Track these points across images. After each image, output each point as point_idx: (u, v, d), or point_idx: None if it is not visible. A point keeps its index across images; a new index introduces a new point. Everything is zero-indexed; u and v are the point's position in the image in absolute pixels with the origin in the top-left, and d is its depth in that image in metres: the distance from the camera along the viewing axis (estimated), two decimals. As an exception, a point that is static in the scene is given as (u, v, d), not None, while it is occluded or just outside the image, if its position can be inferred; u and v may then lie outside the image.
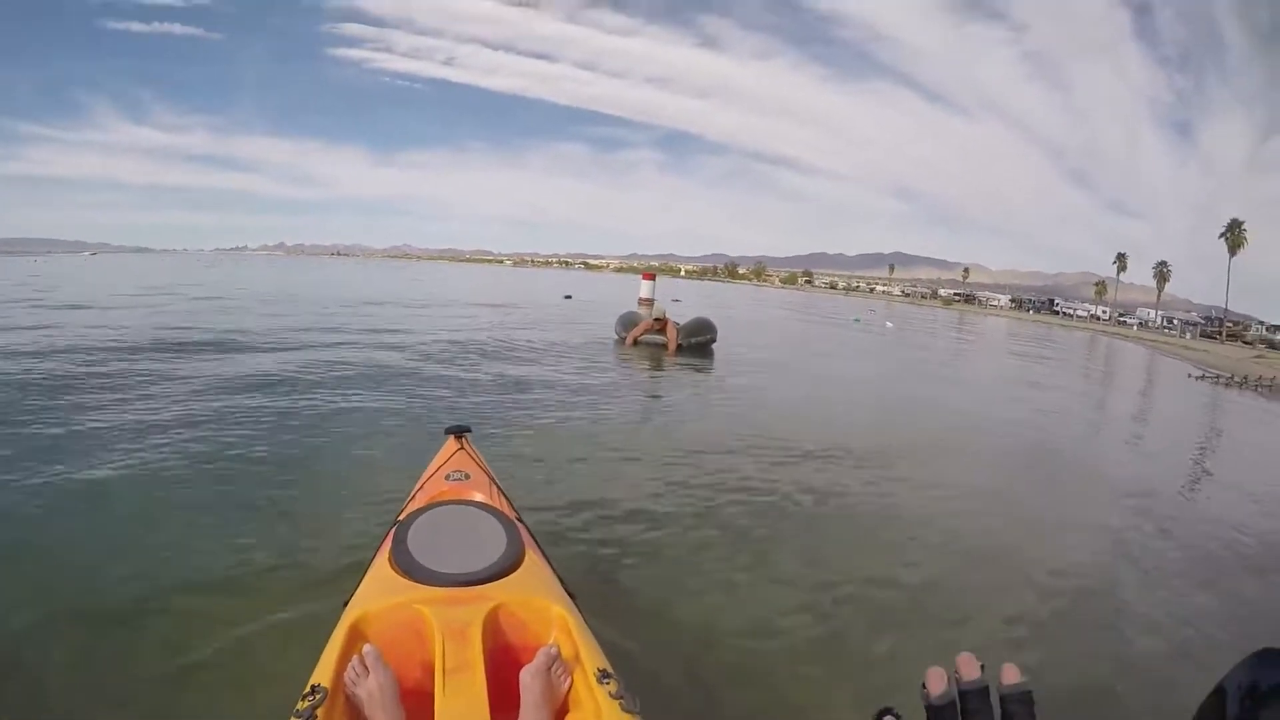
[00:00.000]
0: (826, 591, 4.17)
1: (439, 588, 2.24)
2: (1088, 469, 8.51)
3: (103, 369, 9.21)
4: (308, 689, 1.81)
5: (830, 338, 24.63)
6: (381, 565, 2.44)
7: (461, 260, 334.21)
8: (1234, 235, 77.75)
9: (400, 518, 2.73)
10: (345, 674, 1.89)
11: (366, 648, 1.92)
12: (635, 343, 14.86)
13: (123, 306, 19.18)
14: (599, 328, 18.06)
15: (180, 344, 11.80)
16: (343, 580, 3.01)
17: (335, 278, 52.05)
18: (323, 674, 1.88)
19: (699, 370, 12.76)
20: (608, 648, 2.14)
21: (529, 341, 15.25)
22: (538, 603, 2.24)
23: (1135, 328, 78.41)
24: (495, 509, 2.83)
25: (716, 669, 3.29)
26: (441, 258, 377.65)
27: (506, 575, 2.35)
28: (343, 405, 7.90)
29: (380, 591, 2.27)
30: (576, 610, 2.29)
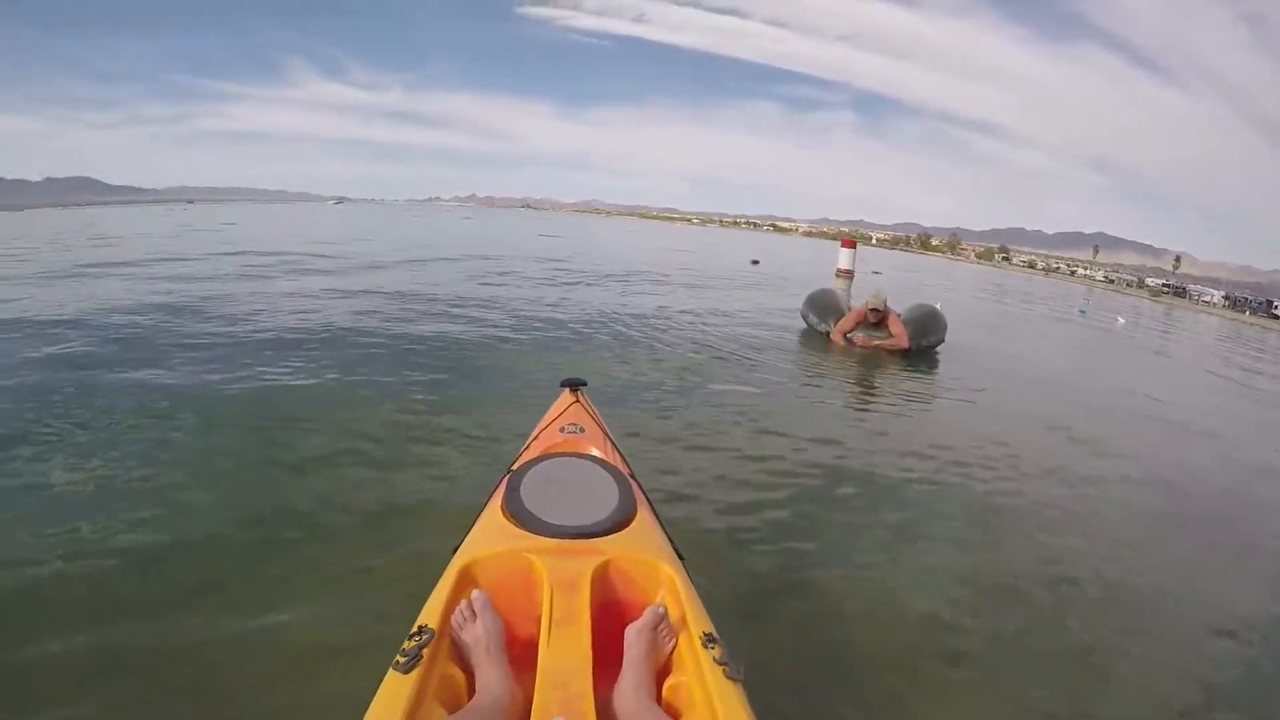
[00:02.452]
0: (984, 594, 3.81)
1: (550, 538, 2.24)
2: None
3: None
4: (415, 629, 1.85)
5: (1066, 336, 20.24)
6: (493, 512, 2.47)
7: (649, 217, 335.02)
8: None
9: (514, 466, 2.73)
10: (453, 617, 1.94)
11: (476, 593, 2.00)
12: (846, 340, 10.29)
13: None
14: (789, 310, 13.20)
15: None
16: (454, 524, 2.68)
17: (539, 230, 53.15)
18: (430, 616, 1.91)
19: (933, 383, 9.00)
20: (715, 614, 2.10)
21: (698, 323, 11.57)
22: (647, 560, 2.22)
23: None
24: (609, 464, 2.81)
25: (827, 650, 3.13)
26: (629, 214, 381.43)
27: (618, 531, 2.34)
28: (481, 360, 7.91)
29: (491, 538, 2.30)
30: (685, 572, 2.26)
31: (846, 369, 9.25)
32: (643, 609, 2.02)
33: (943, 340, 10.93)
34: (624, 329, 10.49)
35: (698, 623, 1.99)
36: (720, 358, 9.07)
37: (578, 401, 3.46)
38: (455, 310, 11.07)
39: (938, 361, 10.48)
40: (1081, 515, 5.09)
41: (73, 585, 3.12)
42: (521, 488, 2.50)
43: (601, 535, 2.30)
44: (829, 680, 2.91)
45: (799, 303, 12.10)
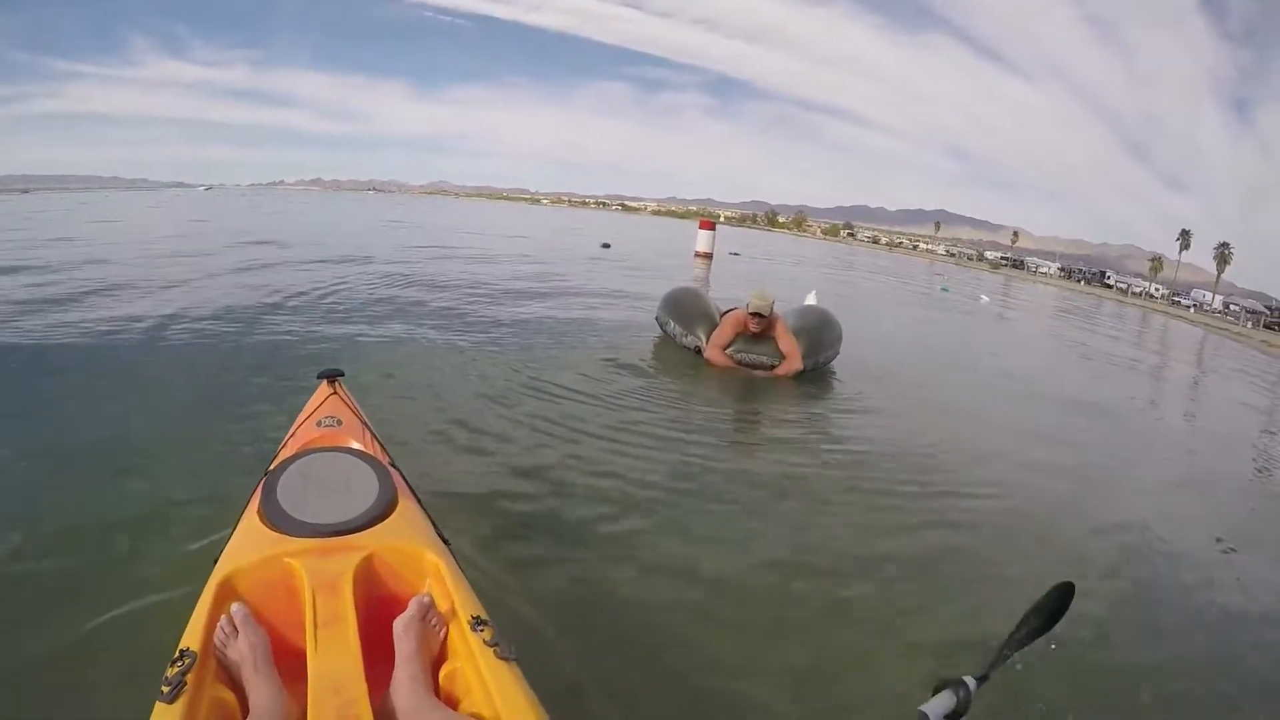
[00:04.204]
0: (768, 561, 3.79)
1: (309, 539, 2.15)
2: None
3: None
4: (176, 654, 1.70)
5: (942, 319, 18.88)
6: (250, 519, 2.34)
7: (498, 198, 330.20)
8: None
9: (270, 468, 2.57)
10: (215, 636, 1.81)
11: (235, 606, 1.86)
12: (726, 359, 7.55)
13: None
14: (644, 303, 10.87)
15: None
16: (213, 537, 2.83)
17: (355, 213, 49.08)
18: (191, 637, 1.79)
19: (826, 407, 7.09)
20: (484, 596, 2.10)
21: (530, 319, 9.76)
22: (410, 550, 2.19)
23: (1191, 310, 71.49)
24: (367, 455, 2.71)
25: (598, 620, 3.10)
26: (479, 195, 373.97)
27: (378, 523, 2.28)
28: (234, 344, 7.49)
29: (249, 546, 2.17)
30: (451, 557, 2.25)
31: (699, 388, 7.09)
32: (409, 600, 1.93)
33: (837, 354, 8.18)
34: (431, 330, 8.83)
35: (466, 607, 1.95)
36: (536, 360, 7.58)
37: (335, 393, 3.30)
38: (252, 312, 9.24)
39: (833, 376, 7.98)
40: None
41: None
42: (278, 489, 2.35)
43: (361, 529, 2.21)
44: (608, 655, 2.83)
45: (656, 292, 9.47)
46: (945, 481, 5.19)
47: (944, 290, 30.39)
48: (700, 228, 26.36)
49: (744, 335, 7.57)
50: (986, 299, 29.33)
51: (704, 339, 7.81)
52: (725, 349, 7.54)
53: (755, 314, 7.37)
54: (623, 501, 4.28)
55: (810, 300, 11.74)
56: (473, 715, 1.68)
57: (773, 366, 7.47)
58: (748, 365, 7.50)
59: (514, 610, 2.93)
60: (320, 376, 3.46)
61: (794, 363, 7.45)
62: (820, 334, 7.99)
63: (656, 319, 8.66)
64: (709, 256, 24.58)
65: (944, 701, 1.32)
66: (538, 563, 3.53)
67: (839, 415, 6.70)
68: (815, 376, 7.77)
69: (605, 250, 27.43)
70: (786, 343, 7.50)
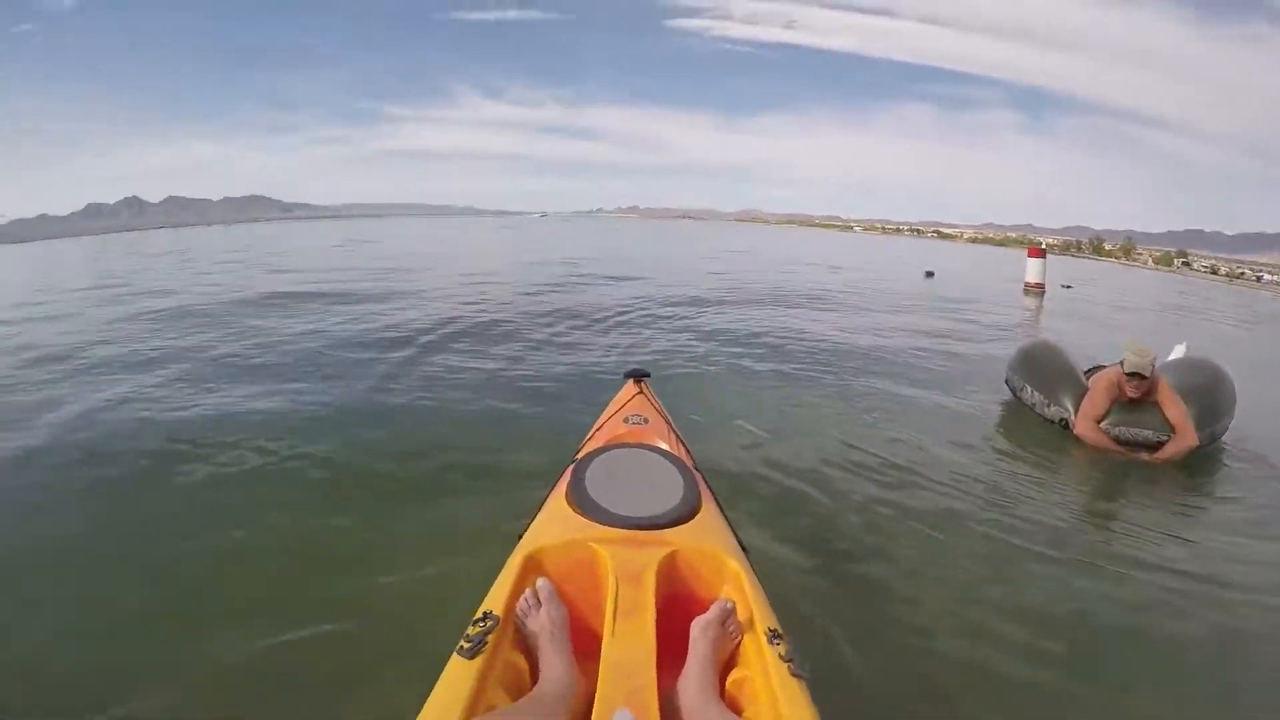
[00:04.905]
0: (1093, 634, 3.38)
1: (615, 528, 2.22)
2: None
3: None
4: (479, 615, 1.86)
5: None
6: (558, 502, 2.45)
7: (810, 224, 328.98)
8: None
9: (578, 456, 2.74)
10: (518, 605, 1.94)
11: (541, 581, 2.00)
12: (1102, 438, 6.11)
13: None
14: (984, 355, 10.11)
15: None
16: (518, 514, 2.67)
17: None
18: (494, 602, 1.93)
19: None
20: (779, 611, 2.05)
21: (866, 373, 8.51)
22: (713, 553, 2.20)
23: None
24: (673, 455, 2.79)
25: (896, 655, 3.03)
26: (790, 221, 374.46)
27: (683, 523, 2.31)
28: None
29: (556, 527, 2.29)
30: (750, 567, 2.22)
31: (1059, 471, 5.75)
32: (707, 602, 2.01)
33: (1231, 421, 6.41)
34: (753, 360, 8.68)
35: (763, 618, 1.96)
36: (854, 401, 7.22)
37: (641, 393, 3.45)
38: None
39: (1227, 454, 6.25)
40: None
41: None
42: (586, 478, 2.47)
43: (667, 527, 2.27)
44: (897, 684, 2.82)
45: (991, 334, 9.19)
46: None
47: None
48: (1029, 256, 24.41)
49: (1119, 402, 6.17)
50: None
51: (1071, 409, 6.45)
52: (1099, 421, 6.16)
53: (1134, 375, 5.94)
54: (937, 552, 4.08)
55: (1178, 353, 10.43)
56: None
57: (1160, 443, 5.98)
58: (1127, 443, 6.06)
59: (807, 631, 2.96)
60: (627, 375, 3.61)
61: (1186, 438, 5.90)
62: (1214, 396, 6.39)
63: (1007, 381, 7.46)
64: (1041, 288, 22.61)
65: None
66: (836, 588, 3.52)
67: (1240, 530, 4.69)
68: (1207, 456, 6.14)
69: (929, 279, 26.29)
70: (1175, 411, 5.96)
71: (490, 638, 1.76)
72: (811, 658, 1.83)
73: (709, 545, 2.22)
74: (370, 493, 4.28)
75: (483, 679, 1.66)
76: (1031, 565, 4.02)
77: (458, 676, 1.65)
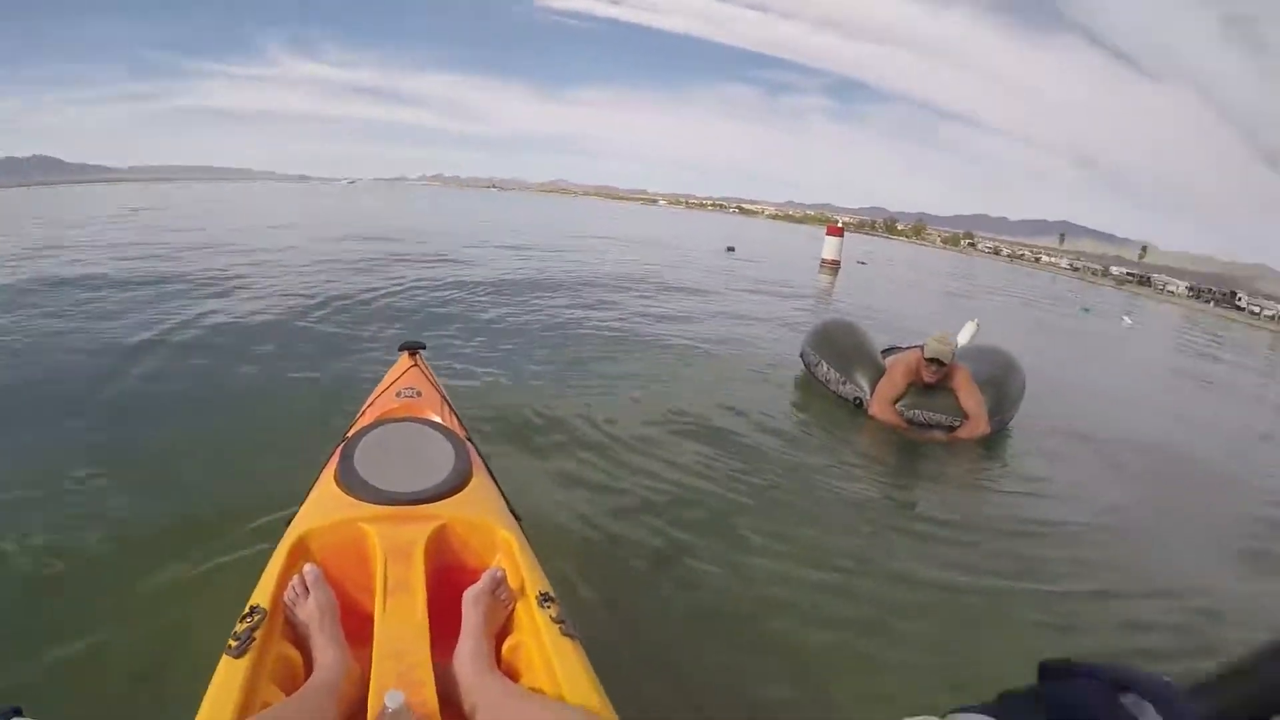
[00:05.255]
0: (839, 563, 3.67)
1: (383, 505, 2.14)
2: None
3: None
4: (247, 610, 1.74)
5: (1100, 350, 16.98)
6: (327, 483, 2.33)
7: (616, 197, 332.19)
8: None
9: (348, 435, 2.63)
10: (285, 594, 1.82)
11: (307, 567, 1.87)
12: (899, 419, 5.90)
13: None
14: (779, 329, 10.11)
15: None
16: (288, 500, 2.51)
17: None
18: (262, 595, 1.81)
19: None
20: (552, 575, 2.05)
21: (655, 346, 8.24)
22: (483, 523, 2.16)
23: None
24: (445, 427, 2.72)
25: (664, 608, 3.13)
26: (597, 194, 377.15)
27: (453, 495, 2.25)
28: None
29: (324, 510, 2.16)
30: (522, 533, 2.21)
31: (850, 443, 5.63)
32: (479, 573, 1.94)
33: (1018, 409, 6.45)
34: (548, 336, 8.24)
35: (534, 583, 1.95)
36: (644, 369, 7.13)
37: (415, 365, 3.32)
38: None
39: (1011, 436, 6.34)
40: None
41: None
42: (355, 456, 2.36)
43: (436, 500, 2.19)
44: (673, 639, 2.87)
45: (788, 309, 9.18)
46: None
47: (1085, 311, 28.35)
48: (828, 234, 24.78)
49: (916, 385, 5.94)
50: (1129, 321, 27.72)
51: (867, 389, 6.18)
52: (895, 403, 5.92)
53: (934, 361, 5.71)
54: (708, 507, 4.14)
55: (968, 332, 10.17)
56: (533, 689, 1.65)
57: (953, 428, 5.84)
58: (921, 425, 5.87)
59: (581, 591, 3.00)
60: (402, 348, 3.45)
61: (978, 424, 5.79)
62: (1005, 386, 6.31)
63: (802, 356, 7.09)
64: (836, 265, 23.03)
65: None
66: (608, 548, 3.54)
67: (1028, 499, 5.02)
68: (995, 437, 6.15)
69: (730, 254, 26.26)
70: (970, 398, 5.83)
71: (258, 633, 1.66)
72: (585, 617, 1.90)
73: (479, 516, 2.19)
74: (126, 495, 3.76)
75: (254, 677, 1.56)
76: (808, 529, 4.03)
77: (227, 677, 1.54)
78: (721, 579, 3.36)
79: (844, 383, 6.41)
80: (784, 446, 5.31)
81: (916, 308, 18.47)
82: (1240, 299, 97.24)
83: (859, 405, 6.22)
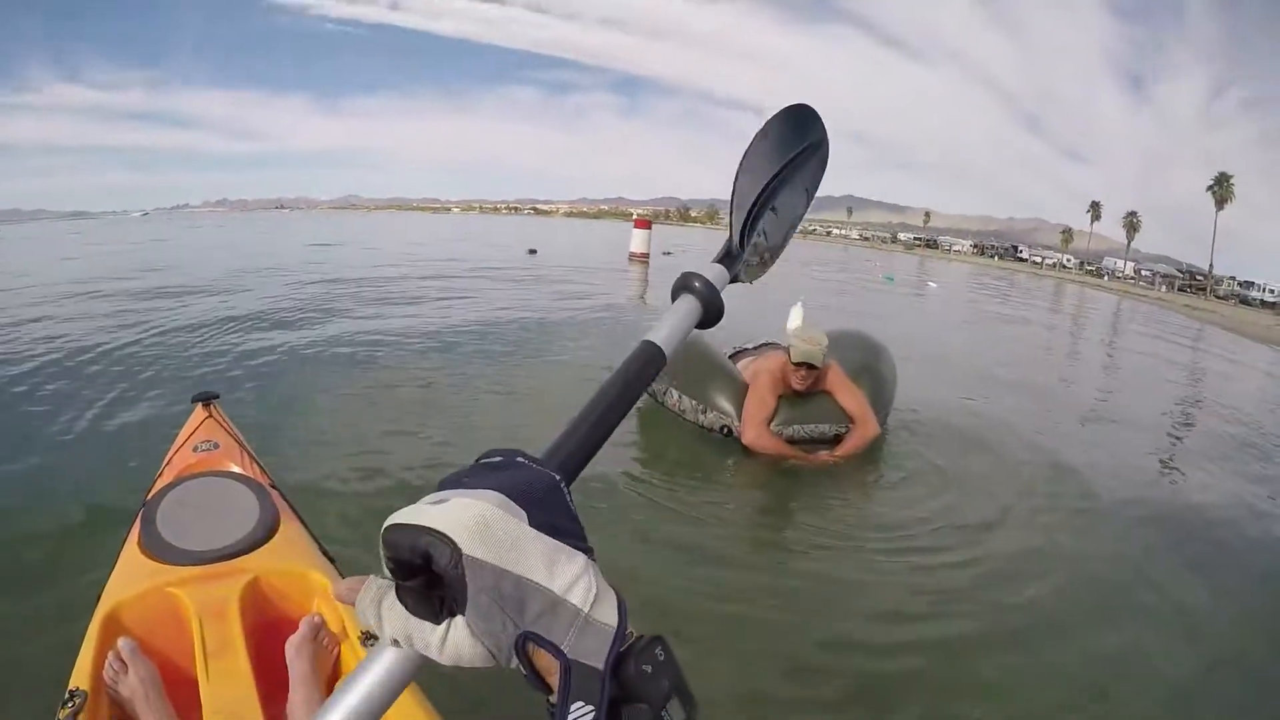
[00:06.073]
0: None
1: (191, 566, 2.09)
2: None
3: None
4: (66, 695, 1.67)
5: (917, 316, 17.09)
6: (131, 550, 2.24)
7: (409, 209, 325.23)
8: (1222, 189, 75.87)
9: (148, 497, 2.51)
10: (104, 673, 1.75)
11: (121, 641, 1.79)
12: (782, 447, 4.85)
13: None
14: (606, 345, 8.90)
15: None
16: (95, 573, 2.40)
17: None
18: (80, 676, 1.74)
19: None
20: None
21: (464, 368, 7.42)
22: (295, 571, 2.14)
23: (1105, 278, 73.43)
24: (246, 477, 2.64)
25: None
26: (391, 206, 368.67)
27: (260, 546, 2.21)
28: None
29: (131, 578, 2.10)
30: (338, 575, 2.16)
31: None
32: (298, 621, 1.92)
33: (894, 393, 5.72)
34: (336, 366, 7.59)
35: (356, 624, 1.91)
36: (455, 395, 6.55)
37: (211, 416, 3.09)
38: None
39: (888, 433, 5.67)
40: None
41: None
42: (156, 518, 2.29)
43: (244, 553, 2.15)
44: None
45: (606, 311, 8.94)
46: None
47: (888, 280, 28.66)
48: (635, 227, 24.06)
49: (785, 396, 4.98)
50: (934, 285, 28.32)
51: (734, 413, 5.09)
52: (770, 423, 4.91)
53: (804, 365, 4.77)
54: None
55: (796, 317, 9.30)
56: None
57: (838, 437, 4.95)
58: (803, 442, 4.93)
59: None
60: (195, 400, 3.20)
61: (868, 427, 4.95)
62: (879, 373, 5.53)
63: (650, 390, 5.54)
64: (645, 258, 22.19)
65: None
66: None
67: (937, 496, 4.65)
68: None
69: (533, 256, 24.92)
70: (850, 399, 4.96)
71: (81, 717, 1.58)
72: None
73: (290, 564, 2.14)
74: None
75: None
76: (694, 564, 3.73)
77: None
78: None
79: (703, 410, 5.29)
80: (646, 494, 4.41)
81: (734, 294, 17.75)
82: (1022, 251, 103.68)
83: (727, 435, 5.15)
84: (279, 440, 4.99)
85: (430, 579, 0.48)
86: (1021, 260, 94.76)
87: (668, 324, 0.79)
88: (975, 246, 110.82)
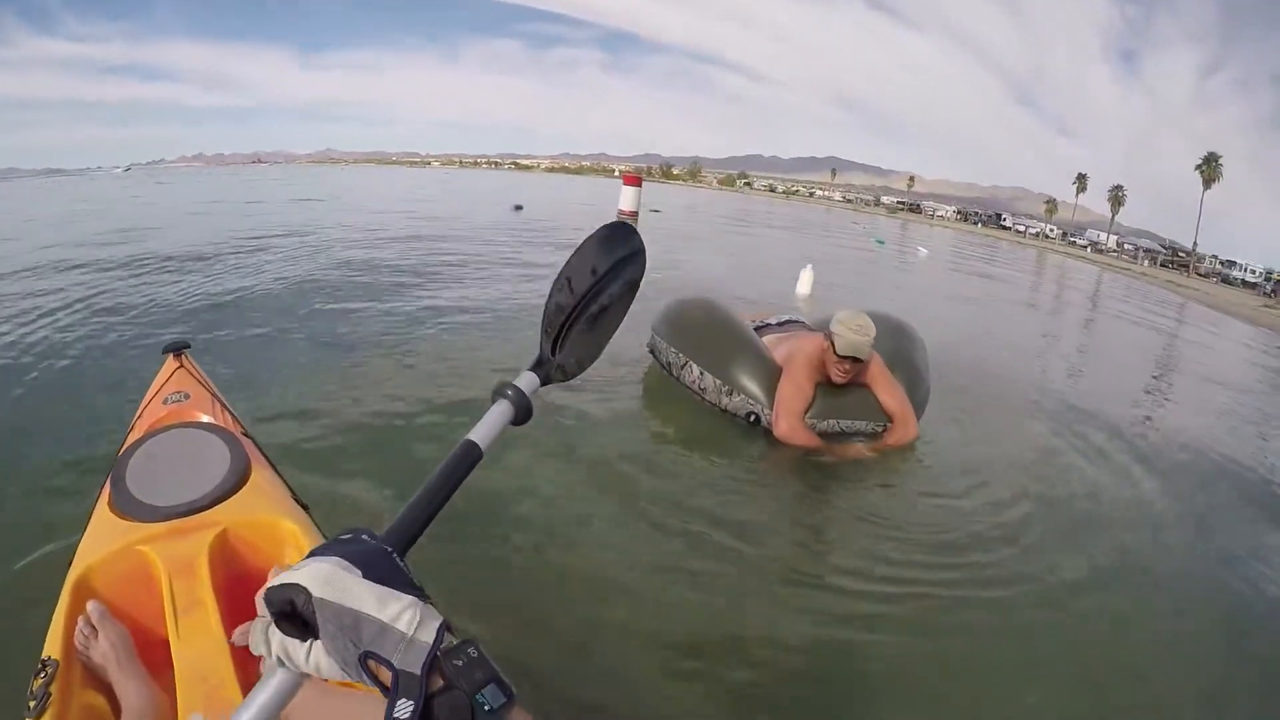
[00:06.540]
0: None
1: (160, 523, 2.01)
2: None
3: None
4: (39, 665, 1.63)
5: (911, 285, 16.46)
6: (102, 510, 2.14)
7: (388, 163, 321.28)
8: (1210, 169, 75.46)
9: (119, 453, 2.39)
10: (75, 639, 1.70)
11: (90, 605, 1.74)
12: (819, 444, 4.27)
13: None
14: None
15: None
16: (69, 538, 2.28)
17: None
18: (52, 645, 1.69)
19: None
20: None
21: (452, 328, 6.96)
22: (266, 521, 2.07)
23: (1087, 250, 73.53)
24: (217, 427, 2.55)
25: (467, 582, 2.93)
26: (369, 160, 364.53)
27: (230, 496, 2.14)
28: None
29: (101, 540, 2.01)
30: (311, 523, 2.12)
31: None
32: (269, 572, 1.27)
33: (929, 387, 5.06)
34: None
35: None
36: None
37: (182, 366, 2.98)
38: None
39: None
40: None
41: None
42: (126, 475, 2.18)
43: (213, 505, 2.08)
44: (477, 617, 2.69)
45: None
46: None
47: (879, 243, 28.24)
48: (625, 183, 23.10)
49: (821, 384, 4.41)
50: (925, 251, 28.02)
51: (764, 399, 4.51)
52: (805, 415, 4.36)
53: (849, 359, 4.21)
54: (510, 473, 3.85)
55: (806, 282, 8.75)
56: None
57: (875, 434, 4.42)
58: (835, 438, 4.38)
59: None
60: (165, 351, 3.04)
61: (908, 427, 4.43)
62: (914, 363, 4.92)
63: (654, 351, 5.41)
64: (635, 216, 21.57)
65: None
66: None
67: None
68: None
69: (519, 213, 24.01)
70: (892, 395, 4.43)
71: (54, 686, 1.53)
72: None
73: (260, 514, 2.07)
74: None
75: None
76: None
77: None
78: (519, 555, 3.22)
79: (729, 392, 4.70)
80: (659, 468, 4.16)
81: (738, 254, 18.33)
82: (1005, 219, 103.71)
83: (754, 422, 4.57)
84: (253, 390, 4.86)
85: (295, 616, 0.68)
86: (1005, 228, 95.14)
87: (485, 425, 0.96)
88: (959, 213, 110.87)
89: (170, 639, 1.66)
